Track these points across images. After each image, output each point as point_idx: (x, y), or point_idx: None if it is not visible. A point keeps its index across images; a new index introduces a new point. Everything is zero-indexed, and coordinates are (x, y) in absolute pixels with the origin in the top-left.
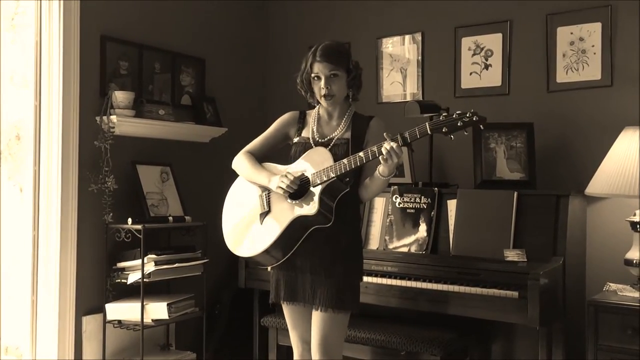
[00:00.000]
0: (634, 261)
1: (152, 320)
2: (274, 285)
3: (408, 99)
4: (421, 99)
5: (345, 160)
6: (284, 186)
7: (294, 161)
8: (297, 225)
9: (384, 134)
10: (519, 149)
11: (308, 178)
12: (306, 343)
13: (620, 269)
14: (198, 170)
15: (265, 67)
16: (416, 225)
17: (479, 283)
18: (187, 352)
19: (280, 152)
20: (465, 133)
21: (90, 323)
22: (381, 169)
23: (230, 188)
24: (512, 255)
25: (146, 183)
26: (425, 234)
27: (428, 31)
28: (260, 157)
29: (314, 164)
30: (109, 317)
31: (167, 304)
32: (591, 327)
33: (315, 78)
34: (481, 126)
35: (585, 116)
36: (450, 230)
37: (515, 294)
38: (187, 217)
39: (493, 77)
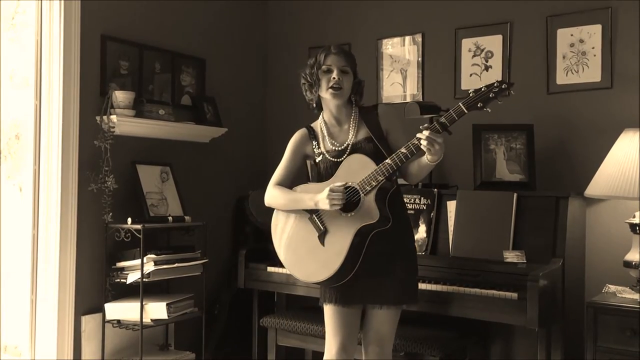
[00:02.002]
0: (633, 263)
1: (152, 320)
2: (325, 288)
3: (408, 100)
4: (421, 100)
5: (389, 161)
6: (337, 202)
7: (327, 177)
8: (359, 236)
9: (421, 126)
10: (519, 150)
11: (354, 187)
12: (344, 351)
13: (619, 271)
14: (198, 170)
15: (265, 67)
16: (416, 226)
17: (479, 284)
18: (186, 352)
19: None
20: (499, 102)
21: (90, 323)
22: (429, 156)
23: (272, 226)
24: (512, 256)
25: (146, 183)
26: (424, 235)
27: (428, 32)
28: (289, 186)
29: (355, 172)
30: (108, 316)
31: (167, 304)
32: (590, 329)
33: (327, 70)
34: (512, 92)
35: (585, 118)
36: (449, 231)
37: (515, 295)
38: (186, 217)
39: (493, 79)
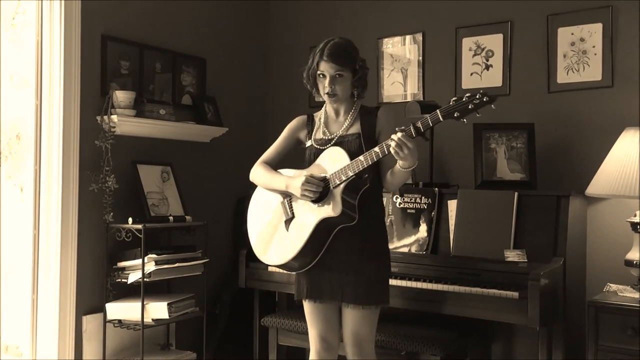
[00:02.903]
0: (634, 262)
1: (153, 319)
2: (298, 283)
3: (409, 99)
4: (422, 99)
5: (361, 157)
6: (309, 193)
7: (309, 165)
8: (323, 227)
9: (397, 128)
10: (520, 149)
11: (327, 180)
12: (325, 341)
13: (620, 270)
14: (199, 170)
15: (266, 66)
16: (416, 226)
17: (479, 283)
18: (188, 351)
19: (293, 157)
20: (478, 115)
21: (91, 322)
22: (400, 162)
23: (251, 200)
24: (513, 255)
25: (147, 183)
26: (425, 234)
27: (429, 31)
28: (275, 165)
29: (331, 165)
30: (109, 316)
31: (168, 304)
32: (591, 328)
33: (321, 76)
34: (492, 105)
35: (585, 117)
36: (450, 230)
37: (516, 294)
38: (187, 217)
39: (494, 78)
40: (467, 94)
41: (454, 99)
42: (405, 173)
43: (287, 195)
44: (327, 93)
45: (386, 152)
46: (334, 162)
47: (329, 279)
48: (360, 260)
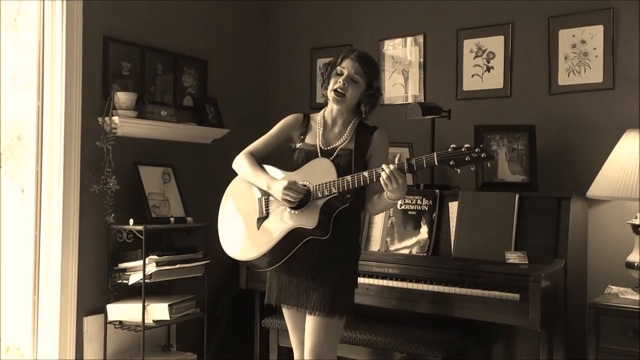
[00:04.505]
0: (635, 264)
1: (153, 321)
2: (269, 287)
3: (410, 101)
4: (423, 101)
5: (349, 178)
6: (289, 199)
7: (296, 168)
8: (293, 235)
9: (395, 157)
10: (521, 151)
11: (308, 188)
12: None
13: (621, 272)
14: (200, 171)
15: (267, 68)
16: (417, 227)
17: (480, 285)
18: (188, 353)
19: (280, 153)
20: (472, 169)
21: (92, 323)
22: (387, 193)
23: (229, 187)
24: (514, 257)
25: (148, 184)
26: (426, 235)
27: (430, 33)
28: (261, 159)
29: (317, 176)
30: (110, 317)
31: (168, 305)
32: (592, 330)
33: (339, 72)
34: (489, 164)
35: (586, 119)
36: (451, 232)
37: (517, 296)
38: (188, 218)
39: (495, 80)
40: (467, 145)
41: (452, 146)
42: (390, 204)
43: (266, 194)
44: (336, 89)
45: (374, 180)
46: (320, 174)
47: (297, 285)
48: (328, 271)
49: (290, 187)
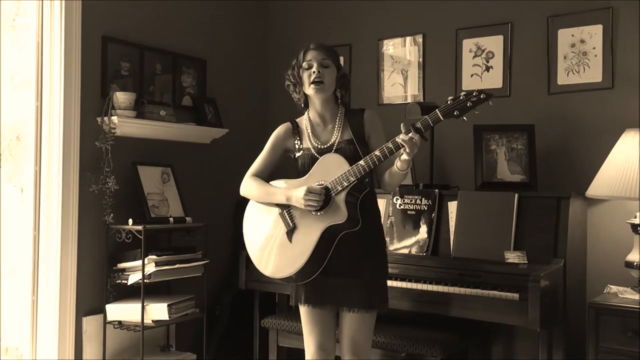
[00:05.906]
0: (635, 263)
1: (153, 321)
2: (296, 287)
3: (409, 100)
4: (422, 100)
5: (362, 162)
6: (313, 203)
7: (304, 173)
8: (328, 235)
9: (402, 125)
10: (520, 150)
11: (326, 186)
12: (322, 349)
13: (620, 271)
14: (199, 171)
15: (266, 68)
16: (417, 227)
17: (480, 285)
18: (188, 353)
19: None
20: (476, 112)
21: (91, 324)
22: (399, 164)
23: (245, 215)
24: (513, 257)
25: (147, 184)
26: (425, 235)
27: (429, 33)
28: (266, 178)
29: (329, 172)
30: (110, 317)
31: (168, 305)
32: (592, 329)
33: (307, 66)
34: (490, 102)
35: (586, 118)
36: (450, 232)
37: (516, 295)
38: (187, 218)
39: (494, 79)
40: (463, 92)
41: (450, 98)
42: (404, 174)
43: (285, 207)
44: (314, 81)
45: (388, 155)
46: (332, 169)
47: (330, 284)
48: (360, 265)
49: (310, 191)
